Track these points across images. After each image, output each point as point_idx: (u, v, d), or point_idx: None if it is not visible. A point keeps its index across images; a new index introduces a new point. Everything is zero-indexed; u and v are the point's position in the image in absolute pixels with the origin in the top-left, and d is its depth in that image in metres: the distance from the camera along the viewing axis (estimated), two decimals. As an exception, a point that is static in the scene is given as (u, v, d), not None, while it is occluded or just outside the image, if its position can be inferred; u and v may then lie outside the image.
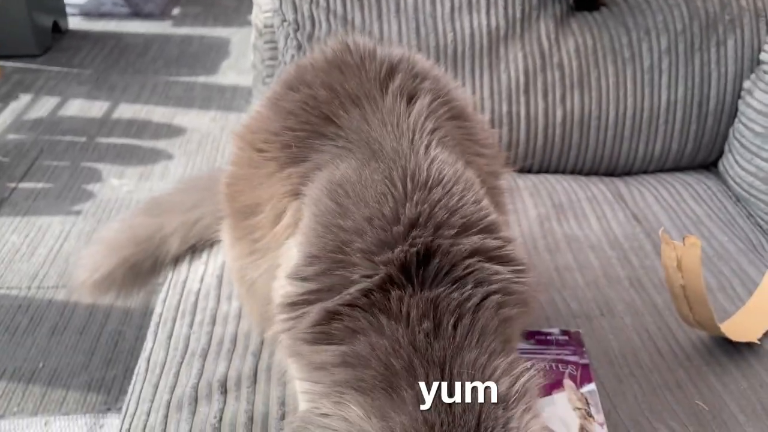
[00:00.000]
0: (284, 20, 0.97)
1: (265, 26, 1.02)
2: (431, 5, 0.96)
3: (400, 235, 0.44)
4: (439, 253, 0.44)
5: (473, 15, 0.97)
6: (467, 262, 0.45)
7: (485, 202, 0.48)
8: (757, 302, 0.73)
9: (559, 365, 0.65)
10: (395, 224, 0.44)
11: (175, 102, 2.21)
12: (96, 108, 2.15)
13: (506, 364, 0.42)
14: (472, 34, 0.96)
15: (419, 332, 0.42)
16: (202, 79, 2.36)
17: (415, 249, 0.44)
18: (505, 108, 0.98)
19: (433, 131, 0.51)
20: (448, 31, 0.96)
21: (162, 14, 2.87)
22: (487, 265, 0.46)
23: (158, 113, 2.14)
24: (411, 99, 0.53)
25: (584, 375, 0.64)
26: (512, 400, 0.40)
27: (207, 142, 2.01)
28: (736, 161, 0.95)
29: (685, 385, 0.64)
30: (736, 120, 0.97)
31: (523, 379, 0.42)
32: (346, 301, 0.43)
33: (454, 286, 0.43)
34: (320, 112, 0.54)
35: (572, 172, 1.03)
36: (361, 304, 0.43)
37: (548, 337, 0.69)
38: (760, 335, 0.68)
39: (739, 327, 0.68)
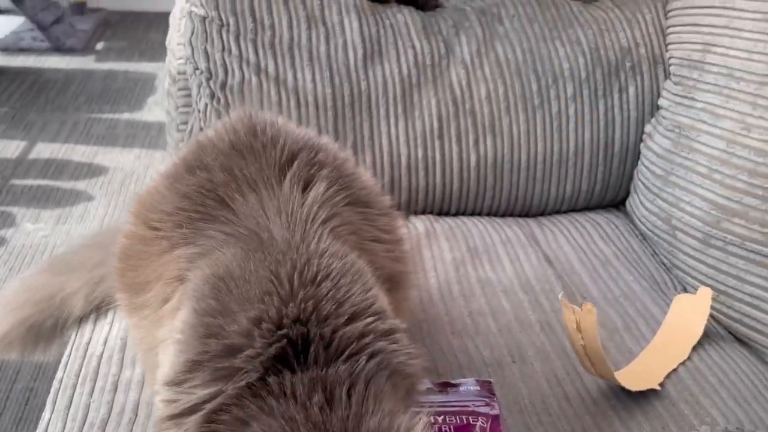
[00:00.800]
0: (196, 68, 0.96)
1: (179, 73, 1.01)
2: (344, 54, 0.97)
3: (284, 335, 0.44)
4: (323, 339, 0.44)
5: (385, 63, 0.98)
6: (358, 343, 0.45)
7: (374, 291, 0.49)
8: (658, 343, 0.76)
9: (470, 417, 0.65)
10: (279, 325, 0.44)
11: (96, 140, 2.14)
12: (11, 148, 2.06)
13: (407, 421, 0.43)
14: (385, 83, 0.98)
15: (312, 406, 0.41)
16: (126, 115, 2.31)
17: (296, 339, 0.44)
18: (420, 153, 0.99)
19: (326, 221, 0.51)
20: (362, 79, 0.97)
21: (85, 49, 2.80)
22: (380, 343, 0.46)
23: (78, 152, 2.07)
24: (307, 186, 0.53)
25: (494, 427, 0.65)
26: None
27: (130, 181, 1.95)
28: (641, 202, 0.99)
29: (591, 432, 0.66)
30: (639, 162, 1.02)
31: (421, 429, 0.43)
32: (230, 397, 0.42)
33: (343, 361, 0.43)
34: (216, 194, 0.54)
35: (489, 214, 1.05)
36: (247, 394, 0.42)
37: (460, 388, 0.69)
38: (661, 380, 0.71)
39: (641, 374, 0.70)
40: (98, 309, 0.78)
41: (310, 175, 0.55)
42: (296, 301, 0.45)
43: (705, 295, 0.82)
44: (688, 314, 0.80)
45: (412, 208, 1.03)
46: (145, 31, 3.03)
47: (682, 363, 0.75)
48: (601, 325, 0.80)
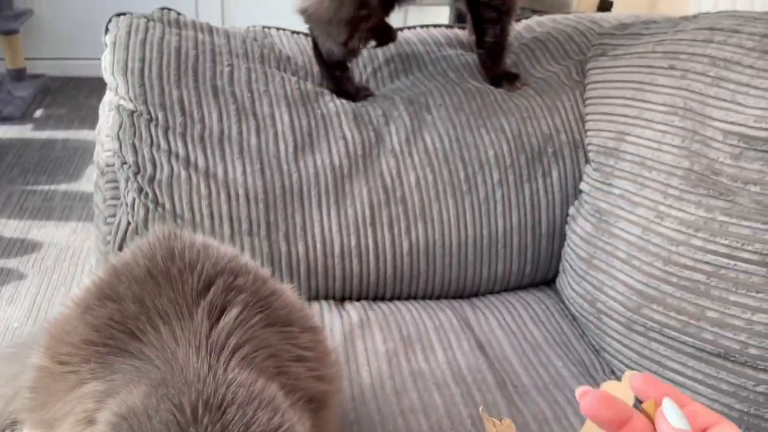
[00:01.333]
0: (124, 162, 0.95)
1: (107, 165, 1.00)
2: (275, 146, 0.99)
3: None
4: None
5: (316, 154, 1.00)
6: None
7: (286, 416, 0.49)
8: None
9: None
10: None
11: (31, 214, 2.08)
12: (-62, 224, 1.98)
13: None
14: (316, 173, 0.99)
15: None
16: (63, 186, 2.25)
17: None
18: (353, 241, 1.00)
19: (237, 348, 0.51)
20: (293, 171, 0.98)
21: (23, 117, 2.74)
22: None
23: (11, 227, 2.00)
24: (221, 314, 0.53)
25: None
26: None
27: (65, 257, 1.89)
28: (568, 282, 1.02)
29: None
30: (566, 244, 1.05)
31: None
32: None
33: None
34: (126, 327, 0.53)
35: (423, 297, 1.06)
36: None
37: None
38: (586, 476, 0.71)
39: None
40: (12, 426, 0.74)
41: (226, 301, 0.54)
42: (200, 426, 0.44)
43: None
44: (614, 402, 0.82)
45: (346, 294, 1.03)
46: (87, 97, 2.99)
47: (609, 454, 0.76)
48: (531, 416, 0.81)
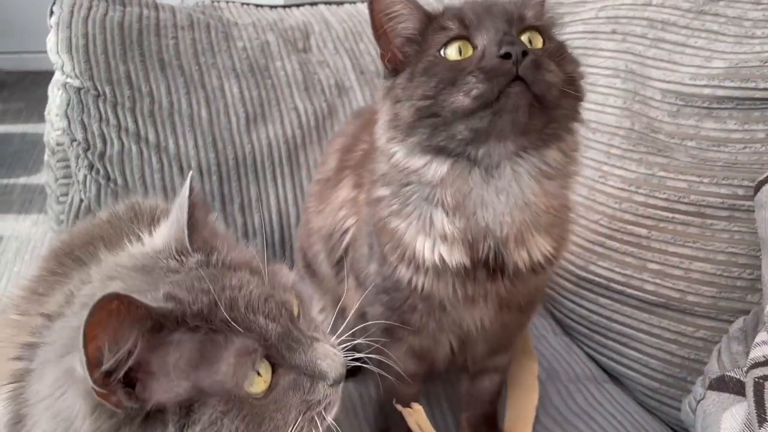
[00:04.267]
0: (74, 140, 0.94)
1: (58, 144, 0.99)
2: (226, 118, 0.98)
3: None
4: None
5: (269, 126, 1.00)
6: None
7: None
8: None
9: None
10: None
11: (-11, 207, 2.04)
12: None
13: None
14: (269, 144, 0.99)
15: None
16: (22, 180, 2.21)
17: None
18: (309, 212, 1.00)
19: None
20: (246, 143, 0.98)
21: (-22, 112, 2.68)
22: None
23: (-31, 221, 1.96)
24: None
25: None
26: None
27: (26, 250, 1.86)
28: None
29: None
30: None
31: None
32: None
33: None
34: (73, 255, 0.56)
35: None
36: None
37: None
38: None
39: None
40: None
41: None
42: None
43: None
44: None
45: (304, 266, 1.04)
46: (45, 91, 2.94)
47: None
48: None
